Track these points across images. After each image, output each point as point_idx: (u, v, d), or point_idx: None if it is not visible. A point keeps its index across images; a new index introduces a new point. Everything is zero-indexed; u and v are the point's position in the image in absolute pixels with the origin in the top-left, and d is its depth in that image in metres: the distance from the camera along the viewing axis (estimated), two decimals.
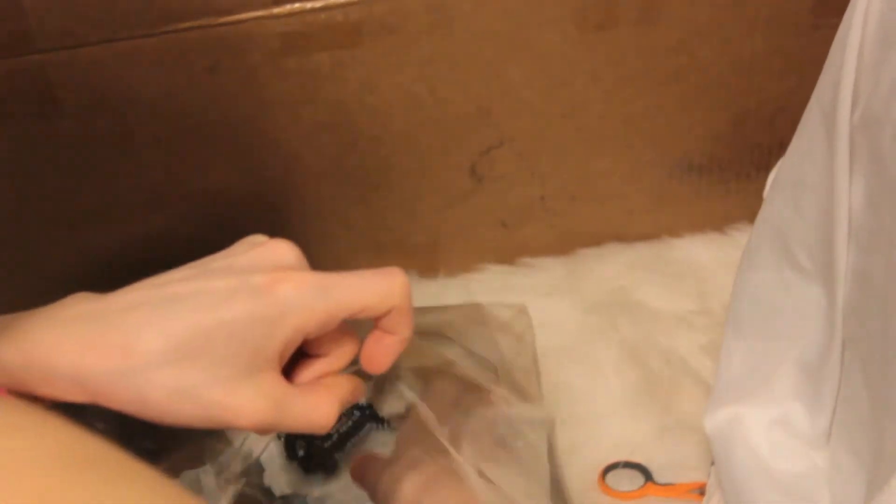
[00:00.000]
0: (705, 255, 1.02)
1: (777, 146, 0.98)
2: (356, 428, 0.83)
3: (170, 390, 0.42)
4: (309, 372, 0.49)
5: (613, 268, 1.02)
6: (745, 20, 0.90)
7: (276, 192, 0.92)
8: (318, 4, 0.82)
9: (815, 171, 0.64)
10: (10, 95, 0.81)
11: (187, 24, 0.81)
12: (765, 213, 0.70)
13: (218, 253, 0.48)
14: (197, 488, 0.64)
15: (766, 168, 0.93)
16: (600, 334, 0.96)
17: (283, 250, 0.47)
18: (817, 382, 0.69)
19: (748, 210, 0.91)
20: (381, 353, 0.50)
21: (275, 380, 0.45)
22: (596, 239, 1.05)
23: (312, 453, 0.82)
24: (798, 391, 0.71)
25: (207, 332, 0.43)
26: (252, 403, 0.44)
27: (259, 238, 0.49)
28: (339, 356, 0.50)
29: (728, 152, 0.99)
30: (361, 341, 0.51)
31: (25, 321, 0.44)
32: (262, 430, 0.45)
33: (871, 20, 0.56)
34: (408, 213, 0.98)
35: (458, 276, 1.04)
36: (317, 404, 0.47)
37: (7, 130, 0.83)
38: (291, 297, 0.44)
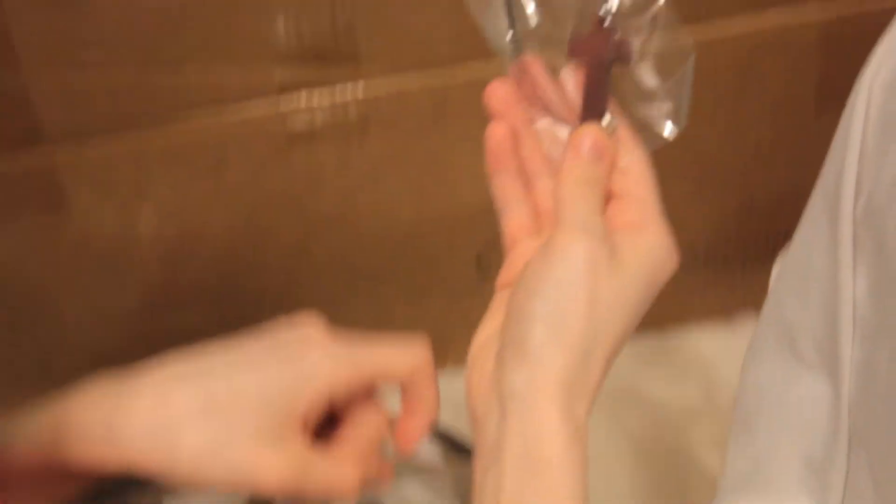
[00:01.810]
0: (711, 345, 1.02)
1: (782, 236, 0.98)
2: None
3: (199, 447, 0.45)
4: (338, 438, 0.51)
5: (618, 360, 1.01)
6: (749, 109, 0.90)
7: (280, 285, 0.92)
8: (324, 98, 0.83)
9: (820, 262, 0.63)
10: (18, 190, 0.81)
11: (194, 117, 0.81)
12: (770, 304, 0.70)
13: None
14: None
15: (772, 258, 0.93)
16: (605, 430, 0.94)
17: (310, 321, 0.50)
18: (823, 478, 0.68)
19: (754, 300, 0.90)
20: (411, 429, 0.52)
21: (299, 443, 0.47)
22: None
23: None
24: (804, 487, 0.70)
25: (239, 390, 0.46)
26: (276, 464, 0.46)
27: (283, 320, 0.51)
28: (367, 425, 0.51)
29: (733, 242, 0.98)
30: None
31: (57, 397, 0.47)
32: (285, 494, 0.47)
33: (873, 109, 0.57)
34: (414, 306, 0.97)
35: (465, 366, 1.03)
36: (340, 467, 0.49)
37: (16, 228, 0.83)
38: (319, 361, 0.48)
